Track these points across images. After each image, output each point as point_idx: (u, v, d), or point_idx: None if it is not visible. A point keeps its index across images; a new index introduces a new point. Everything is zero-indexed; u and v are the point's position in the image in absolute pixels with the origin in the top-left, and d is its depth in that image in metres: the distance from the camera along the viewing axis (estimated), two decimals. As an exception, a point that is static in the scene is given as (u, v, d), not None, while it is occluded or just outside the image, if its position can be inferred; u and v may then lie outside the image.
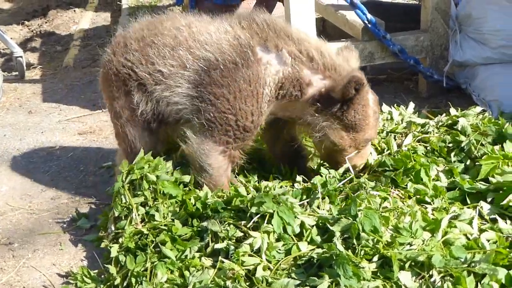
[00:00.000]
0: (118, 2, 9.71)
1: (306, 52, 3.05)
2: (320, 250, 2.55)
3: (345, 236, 2.59)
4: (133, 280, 2.73)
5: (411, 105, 3.92)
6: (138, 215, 3.01)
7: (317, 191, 2.92)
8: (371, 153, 3.36)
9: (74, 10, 9.06)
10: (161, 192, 3.04)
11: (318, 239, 2.64)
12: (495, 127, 3.38)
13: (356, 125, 3.10)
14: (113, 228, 3.11)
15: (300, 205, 2.86)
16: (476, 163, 3.08)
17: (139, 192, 3.06)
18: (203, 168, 3.12)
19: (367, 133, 3.16)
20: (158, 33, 3.21)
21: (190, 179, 3.15)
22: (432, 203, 2.92)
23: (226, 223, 2.76)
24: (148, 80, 3.18)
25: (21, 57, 6.27)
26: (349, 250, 2.51)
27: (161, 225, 2.92)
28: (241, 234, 2.71)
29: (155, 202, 3.03)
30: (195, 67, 3.08)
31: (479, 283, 2.27)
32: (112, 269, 2.88)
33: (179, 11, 8.12)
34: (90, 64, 6.75)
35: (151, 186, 3.07)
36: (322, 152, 3.30)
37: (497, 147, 3.20)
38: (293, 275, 2.48)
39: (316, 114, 3.09)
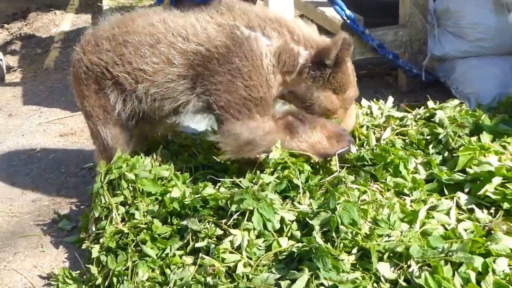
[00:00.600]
0: (99, 4, 9.67)
1: (286, 27, 3.13)
2: (300, 245, 2.56)
3: (324, 229, 2.59)
4: (115, 279, 2.73)
5: (390, 99, 3.94)
6: (118, 214, 3.01)
7: (298, 186, 2.94)
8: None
9: (55, 13, 9.01)
10: (140, 190, 3.04)
11: (298, 233, 2.65)
12: (472, 119, 3.41)
13: (343, 86, 3.21)
14: (93, 229, 3.11)
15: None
16: (454, 155, 3.10)
17: (118, 192, 3.07)
18: (248, 143, 3.06)
19: (352, 90, 3.28)
20: (131, 32, 3.19)
21: (169, 175, 3.15)
22: (410, 195, 2.93)
23: (206, 221, 2.76)
24: (127, 79, 3.17)
25: (0, 60, 6.24)
26: (329, 243, 2.52)
27: (141, 224, 2.92)
28: (221, 232, 2.72)
29: (135, 201, 3.02)
30: (184, 62, 3.08)
31: (456, 272, 2.29)
32: (94, 269, 2.88)
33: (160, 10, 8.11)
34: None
35: (130, 185, 3.07)
36: None
37: (474, 139, 3.22)
38: (273, 270, 2.49)
39: (308, 84, 3.17)
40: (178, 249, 2.77)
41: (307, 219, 2.66)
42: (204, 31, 3.08)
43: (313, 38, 3.20)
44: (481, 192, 2.78)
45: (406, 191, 2.96)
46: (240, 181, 3.02)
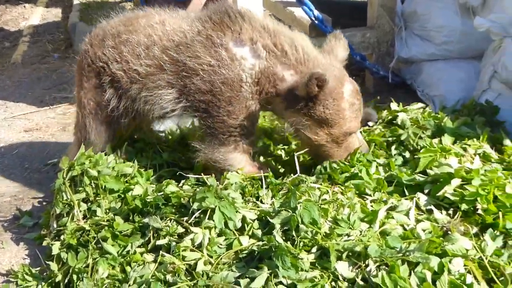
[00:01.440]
0: (69, -2, 9.59)
1: (281, 46, 3.03)
2: (260, 243, 2.57)
3: (285, 228, 2.61)
4: (75, 276, 2.72)
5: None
6: (80, 211, 2.99)
7: (261, 186, 2.95)
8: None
9: (24, 6, 8.92)
10: (103, 187, 3.02)
11: (259, 232, 2.66)
12: (434, 121, 3.46)
13: (328, 120, 3.02)
14: (55, 226, 3.08)
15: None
16: (415, 156, 3.14)
17: (80, 188, 3.05)
18: (225, 170, 3.12)
19: (344, 126, 3.07)
20: (133, 31, 3.19)
21: (133, 171, 3.14)
22: (372, 195, 2.96)
23: (168, 219, 2.76)
24: (123, 77, 3.17)
25: (-33, 53, 6.17)
26: (288, 242, 2.54)
27: (103, 221, 2.90)
28: (182, 230, 2.72)
29: (97, 198, 3.01)
30: (173, 70, 3.07)
31: (412, 271, 2.32)
32: (54, 266, 2.86)
33: (130, 6, 8.07)
34: (39, 60, 6.66)
35: (92, 181, 3.05)
36: (305, 147, 3.20)
37: (435, 141, 3.26)
38: (233, 268, 2.50)
39: (287, 112, 3.08)
40: (139, 246, 2.77)
41: (268, 218, 2.67)
42: (192, 44, 3.03)
43: (307, 62, 3.04)
44: (440, 193, 2.83)
45: (367, 191, 2.98)
46: (207, 179, 3.02)
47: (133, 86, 3.15)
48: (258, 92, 3.05)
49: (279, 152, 3.62)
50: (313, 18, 4.54)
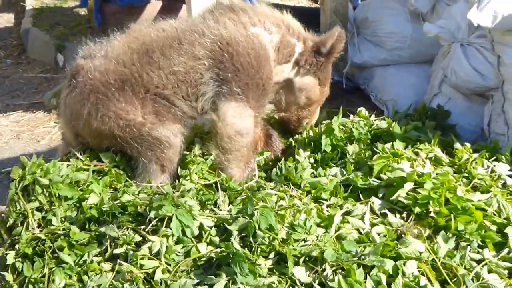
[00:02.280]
0: (22, 3, 9.43)
1: (282, 22, 3.43)
2: (218, 250, 2.59)
3: (242, 235, 2.63)
4: (31, 287, 2.68)
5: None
6: (34, 220, 2.94)
7: (217, 193, 2.97)
8: None
9: (-25, 11, 8.75)
10: (57, 195, 2.99)
11: (216, 239, 2.67)
12: (387, 126, 3.53)
13: (326, 79, 3.62)
14: (5, 237, 3.03)
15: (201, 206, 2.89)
16: (369, 163, 3.19)
17: (33, 198, 3.00)
18: (239, 133, 3.23)
19: (328, 87, 3.70)
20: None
21: (88, 178, 3.11)
22: (328, 200, 3.01)
23: (125, 227, 2.75)
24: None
25: None
26: (246, 248, 2.56)
27: (59, 230, 2.87)
28: (140, 238, 2.71)
29: (52, 207, 2.97)
30: (205, 55, 3.21)
31: (368, 275, 2.37)
32: (9, 276, 2.80)
33: (84, 12, 8.00)
34: (-7, 66, 6.56)
35: (45, 190, 3.01)
36: (289, 107, 3.67)
37: (388, 145, 3.33)
38: (192, 275, 2.50)
39: (306, 70, 3.50)
40: (96, 255, 2.74)
41: (226, 225, 2.69)
42: (216, 28, 3.25)
43: (302, 31, 3.53)
44: (394, 197, 2.89)
45: (324, 195, 3.02)
46: (162, 186, 3.02)
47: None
48: (278, 60, 3.41)
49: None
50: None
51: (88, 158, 3.32)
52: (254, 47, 3.23)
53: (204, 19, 3.33)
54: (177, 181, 3.24)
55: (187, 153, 3.69)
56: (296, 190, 3.07)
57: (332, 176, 3.19)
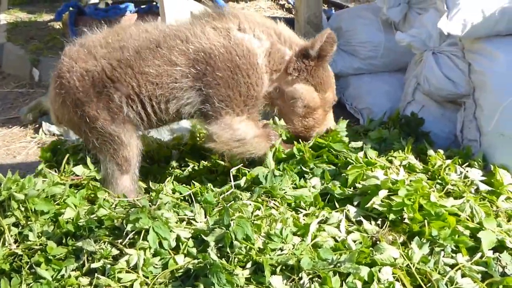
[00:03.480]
0: (-5, 18, 9.37)
1: (273, 30, 3.38)
2: (196, 261, 2.60)
3: (219, 245, 2.65)
4: (8, 303, 2.67)
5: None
6: (11, 236, 2.93)
7: (192, 204, 2.98)
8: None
9: (-51, 25, 8.67)
10: (33, 210, 2.98)
11: (194, 250, 2.69)
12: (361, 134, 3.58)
13: (323, 84, 3.43)
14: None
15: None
16: (343, 173, 3.21)
17: (9, 213, 2.99)
18: (240, 140, 3.26)
19: (331, 93, 3.51)
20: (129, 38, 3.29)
21: (64, 192, 3.11)
22: (307, 209, 3.03)
23: (102, 241, 2.75)
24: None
25: None
26: (223, 259, 2.57)
27: (36, 245, 2.86)
28: (117, 252, 2.71)
29: (28, 222, 2.96)
30: (185, 62, 3.20)
31: (344, 282, 2.40)
32: (-14, 293, 2.79)
33: (59, 26, 7.98)
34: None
35: (21, 205, 3.00)
36: (298, 125, 3.51)
37: (361, 154, 3.37)
38: (170, 287, 2.51)
39: (294, 76, 3.36)
40: (73, 270, 2.73)
41: (203, 236, 2.70)
42: (202, 33, 3.26)
43: (295, 40, 3.45)
44: (368, 205, 2.91)
45: (302, 204, 3.04)
46: (138, 200, 3.03)
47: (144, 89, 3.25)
48: (270, 65, 3.34)
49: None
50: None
51: (63, 173, 3.32)
52: (233, 59, 3.21)
53: (191, 25, 3.35)
54: (151, 194, 3.25)
55: (165, 165, 3.72)
56: (274, 201, 3.08)
57: (312, 187, 3.20)
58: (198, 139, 3.98)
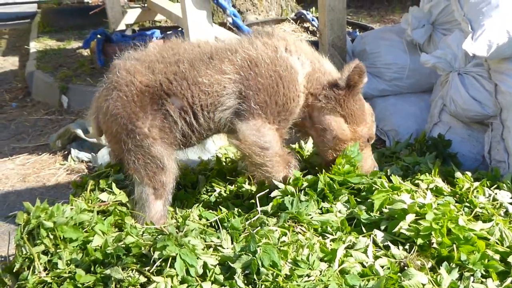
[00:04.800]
0: (26, 46, 9.59)
1: (317, 60, 3.47)
2: (223, 288, 2.60)
3: (246, 272, 2.64)
4: (38, 332, 2.69)
5: (310, 142, 4.05)
6: (41, 264, 2.96)
7: (219, 230, 2.99)
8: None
9: (-19, 55, 8.90)
10: (61, 238, 3.02)
11: (221, 277, 2.68)
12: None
13: (354, 116, 3.43)
14: (10, 283, 3.05)
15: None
16: (368, 200, 3.19)
17: (38, 241, 3.03)
18: (263, 147, 3.28)
19: (365, 127, 3.48)
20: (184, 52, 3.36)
21: (92, 219, 3.14)
22: (334, 234, 3.01)
23: (129, 269, 2.76)
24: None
25: None
26: (250, 286, 2.57)
27: (65, 273, 2.89)
28: (144, 279, 2.72)
29: (57, 250, 2.99)
30: (233, 70, 3.28)
31: (372, 309, 2.38)
32: (16, 322, 2.82)
33: (87, 53, 8.11)
34: (-2, 110, 6.65)
35: (50, 233, 3.04)
36: (329, 157, 3.51)
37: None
38: (197, 314, 2.52)
39: (322, 103, 3.39)
40: (102, 297, 2.75)
41: (229, 263, 2.70)
42: (251, 44, 3.37)
43: (334, 74, 3.48)
44: (396, 229, 2.89)
45: (329, 229, 3.03)
46: (165, 227, 3.04)
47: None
48: (307, 87, 3.40)
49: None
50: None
51: (90, 200, 3.36)
52: (277, 70, 3.28)
53: (240, 40, 3.44)
54: (178, 220, 3.27)
55: (191, 191, 3.74)
56: (301, 226, 3.08)
57: (338, 211, 3.19)
58: (224, 163, 4.00)
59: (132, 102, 3.24)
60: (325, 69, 3.45)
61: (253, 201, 3.32)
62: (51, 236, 3.05)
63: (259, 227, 2.96)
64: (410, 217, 2.91)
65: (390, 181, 3.34)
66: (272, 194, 3.24)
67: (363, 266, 2.74)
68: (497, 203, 3.22)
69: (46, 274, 2.94)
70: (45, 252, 3.04)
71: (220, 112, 3.30)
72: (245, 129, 3.26)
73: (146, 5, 9.00)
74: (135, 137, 3.23)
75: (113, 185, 3.50)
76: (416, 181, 3.37)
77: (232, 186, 3.72)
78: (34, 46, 9.38)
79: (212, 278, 2.69)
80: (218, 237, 2.96)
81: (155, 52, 3.39)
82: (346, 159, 3.35)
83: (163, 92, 3.26)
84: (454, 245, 2.76)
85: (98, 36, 7.48)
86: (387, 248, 2.86)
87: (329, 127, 3.42)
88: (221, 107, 3.30)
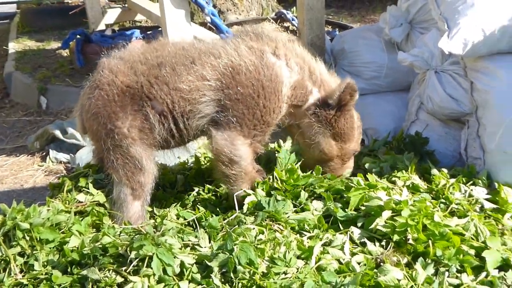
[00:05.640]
0: (4, 47, 9.51)
1: (308, 66, 3.36)
2: (200, 287, 2.60)
3: (223, 270, 2.65)
4: (15, 333, 2.67)
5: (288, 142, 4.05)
6: (17, 265, 2.94)
7: (197, 229, 2.99)
8: None
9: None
10: (38, 239, 3.00)
11: (198, 276, 2.68)
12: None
13: (344, 134, 3.39)
14: (-11, 284, 3.02)
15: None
16: (345, 195, 3.21)
17: (14, 243, 3.00)
18: (233, 160, 3.23)
19: (352, 144, 3.46)
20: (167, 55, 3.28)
21: (69, 220, 3.12)
22: (311, 232, 3.02)
23: (106, 269, 2.75)
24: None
25: None
26: (227, 284, 2.58)
27: (41, 275, 2.87)
28: (121, 279, 2.71)
29: (34, 251, 2.97)
30: (214, 77, 3.20)
31: (347, 305, 2.39)
32: (-8, 324, 2.80)
33: (67, 53, 8.07)
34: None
35: (26, 234, 3.02)
36: (311, 163, 3.48)
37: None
38: (174, 314, 2.52)
39: (312, 121, 3.36)
40: (78, 298, 2.74)
41: (207, 262, 2.70)
42: (236, 49, 3.26)
43: (328, 83, 3.41)
44: (372, 226, 2.91)
45: (306, 227, 3.04)
46: (142, 227, 3.04)
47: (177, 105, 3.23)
48: (291, 98, 3.33)
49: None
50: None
51: (68, 201, 3.34)
52: (260, 79, 3.20)
53: (226, 43, 3.34)
54: (156, 220, 3.27)
55: (170, 190, 3.73)
56: (278, 224, 3.08)
57: (315, 209, 3.20)
58: (203, 163, 3.99)
59: (113, 102, 3.21)
60: (317, 78, 3.38)
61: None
62: (27, 238, 3.03)
63: (237, 226, 2.96)
64: (387, 213, 2.93)
65: (366, 179, 3.35)
66: (247, 200, 3.23)
67: (340, 263, 2.75)
68: (473, 199, 3.25)
69: (22, 276, 2.91)
70: (21, 254, 3.02)
71: (198, 119, 3.26)
72: (219, 138, 3.22)
73: (126, 5, 8.97)
74: (114, 136, 3.20)
75: (90, 185, 3.49)
76: (393, 179, 3.39)
77: (210, 185, 3.71)
78: (13, 46, 9.31)
79: (189, 277, 2.69)
80: (196, 236, 2.96)
81: (139, 53, 3.34)
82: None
83: (144, 95, 3.22)
84: (430, 241, 2.78)
85: (78, 36, 7.45)
86: (363, 244, 2.88)
87: (317, 141, 3.40)
88: (199, 115, 3.25)
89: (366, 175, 3.37)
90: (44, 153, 5.45)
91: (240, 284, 2.57)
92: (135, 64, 3.27)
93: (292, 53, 3.34)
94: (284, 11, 8.60)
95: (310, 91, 3.35)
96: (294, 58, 3.33)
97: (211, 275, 2.62)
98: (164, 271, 2.68)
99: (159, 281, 2.67)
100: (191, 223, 3.19)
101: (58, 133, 5.39)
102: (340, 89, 3.28)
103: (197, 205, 3.40)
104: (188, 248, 2.88)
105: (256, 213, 3.12)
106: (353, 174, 3.51)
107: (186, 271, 2.72)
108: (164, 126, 3.26)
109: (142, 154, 3.24)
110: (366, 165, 3.63)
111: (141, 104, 3.23)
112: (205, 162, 4.01)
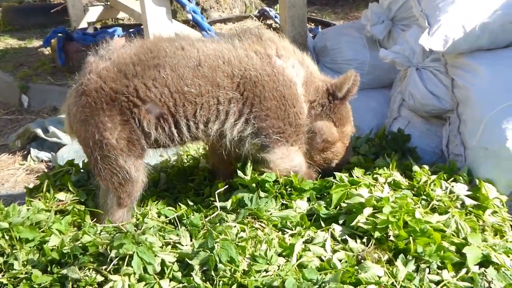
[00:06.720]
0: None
1: (301, 59, 3.40)
2: (181, 285, 2.59)
3: (204, 268, 2.64)
4: (-7, 334, 2.65)
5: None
6: (-4, 265, 2.92)
7: (178, 228, 2.97)
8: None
9: None
10: (17, 238, 2.97)
11: (179, 275, 2.67)
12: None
13: (342, 119, 3.52)
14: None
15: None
16: (328, 192, 3.22)
17: (-7, 242, 2.98)
18: (294, 171, 3.31)
19: (349, 127, 3.60)
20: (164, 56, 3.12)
21: (49, 219, 3.10)
22: (293, 229, 3.02)
23: (86, 268, 2.73)
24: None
25: None
26: (208, 282, 2.57)
27: (21, 274, 2.84)
28: (102, 278, 2.69)
29: (13, 250, 2.95)
30: (230, 86, 3.13)
31: (329, 302, 2.39)
32: (-28, 324, 2.77)
33: (48, 52, 8.00)
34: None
35: (5, 234, 2.99)
36: (316, 158, 3.54)
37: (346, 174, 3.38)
38: (155, 312, 2.50)
39: (318, 111, 3.42)
40: (58, 298, 2.72)
41: (187, 260, 2.69)
42: (246, 55, 3.20)
43: (317, 73, 3.50)
44: (354, 223, 2.91)
45: (289, 224, 3.04)
46: (123, 225, 3.02)
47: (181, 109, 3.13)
48: (306, 95, 3.36)
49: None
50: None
51: (47, 200, 3.31)
52: (277, 88, 3.19)
53: (233, 46, 3.22)
54: (137, 218, 3.25)
55: (153, 189, 3.72)
56: (260, 222, 3.08)
57: (298, 207, 3.19)
58: (185, 161, 3.98)
59: (101, 111, 3.06)
60: (311, 70, 3.42)
61: (212, 198, 3.30)
62: (7, 237, 3.01)
63: (218, 224, 2.95)
64: (368, 210, 2.93)
65: (350, 175, 3.36)
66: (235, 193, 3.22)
67: (321, 260, 2.75)
68: (454, 196, 3.27)
69: (2, 275, 2.89)
70: (0, 253, 2.99)
71: (219, 126, 3.18)
72: (275, 159, 3.26)
73: (108, 3, 8.91)
74: (102, 147, 3.09)
75: (70, 184, 3.46)
76: (375, 176, 3.40)
77: (192, 184, 3.70)
78: (-6, 45, 9.21)
79: (170, 276, 2.68)
80: (177, 234, 2.95)
81: (131, 54, 3.13)
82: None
83: (138, 99, 3.06)
84: (411, 238, 2.79)
85: (59, 34, 7.38)
86: (345, 242, 2.88)
87: (319, 131, 3.44)
88: (220, 123, 3.18)
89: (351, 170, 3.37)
90: (26, 152, 5.39)
91: (221, 282, 2.56)
92: (126, 66, 3.08)
93: (289, 52, 3.35)
94: (267, 8, 8.59)
95: (317, 84, 3.42)
96: (293, 57, 3.35)
97: (192, 273, 2.61)
98: (145, 269, 2.67)
99: (139, 280, 2.66)
100: (172, 221, 3.17)
101: (39, 131, 5.34)
102: (349, 82, 3.40)
103: (178, 203, 3.38)
104: (169, 247, 2.87)
105: (238, 210, 3.11)
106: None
107: (167, 269, 2.71)
108: (165, 130, 3.14)
109: (131, 165, 3.16)
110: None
111: (131, 112, 3.08)
112: (188, 160, 4.00)
